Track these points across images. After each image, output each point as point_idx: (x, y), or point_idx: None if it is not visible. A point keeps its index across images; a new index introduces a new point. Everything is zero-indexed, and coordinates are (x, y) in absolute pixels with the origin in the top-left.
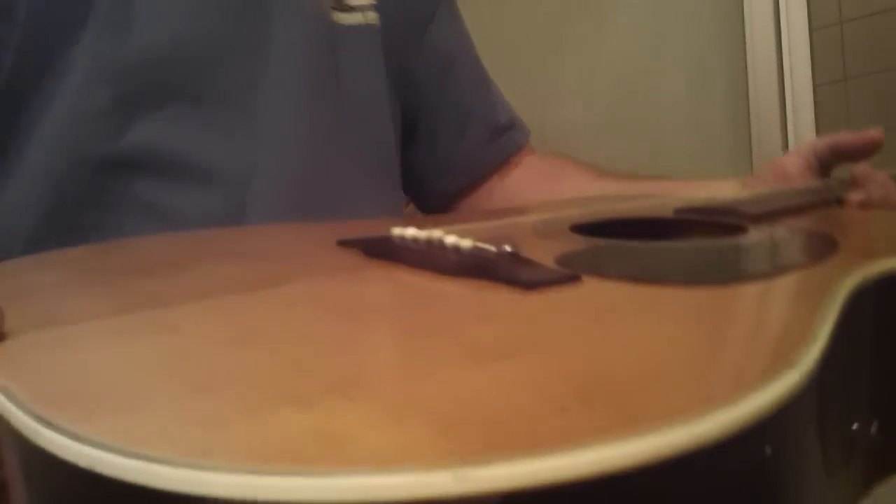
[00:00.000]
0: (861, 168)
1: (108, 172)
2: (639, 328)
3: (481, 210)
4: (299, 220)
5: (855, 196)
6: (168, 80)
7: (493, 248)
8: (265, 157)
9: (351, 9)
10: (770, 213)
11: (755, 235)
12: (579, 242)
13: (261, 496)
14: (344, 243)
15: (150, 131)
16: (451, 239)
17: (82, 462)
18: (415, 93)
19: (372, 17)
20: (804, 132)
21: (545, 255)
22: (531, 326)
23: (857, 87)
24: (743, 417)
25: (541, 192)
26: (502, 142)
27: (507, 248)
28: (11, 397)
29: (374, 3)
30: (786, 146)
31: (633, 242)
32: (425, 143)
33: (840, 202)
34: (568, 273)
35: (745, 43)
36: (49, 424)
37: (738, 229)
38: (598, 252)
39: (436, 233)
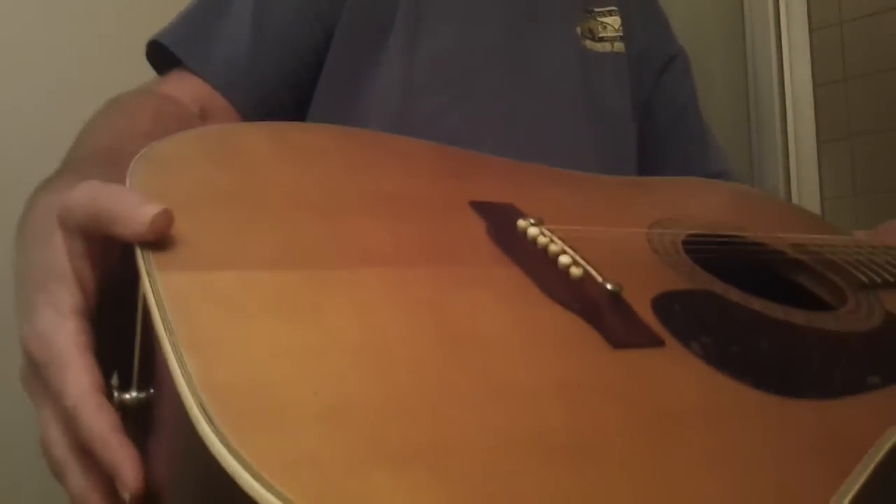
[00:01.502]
0: None
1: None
2: (690, 451)
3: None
4: None
5: None
6: (446, 74)
7: (599, 280)
8: (525, 150)
9: (602, 39)
10: (881, 284)
11: (849, 320)
12: (685, 276)
13: None
14: (475, 206)
15: (431, 111)
16: (564, 259)
17: (223, 463)
18: (649, 126)
19: (619, 46)
20: (804, 132)
21: (648, 289)
22: (599, 423)
23: (856, 87)
24: None
25: None
26: None
27: (610, 287)
28: (184, 369)
29: (621, 34)
30: (786, 146)
31: (733, 296)
32: (646, 175)
33: None
34: (652, 338)
35: (745, 43)
36: (210, 420)
37: (839, 293)
38: (694, 303)
39: (554, 246)
